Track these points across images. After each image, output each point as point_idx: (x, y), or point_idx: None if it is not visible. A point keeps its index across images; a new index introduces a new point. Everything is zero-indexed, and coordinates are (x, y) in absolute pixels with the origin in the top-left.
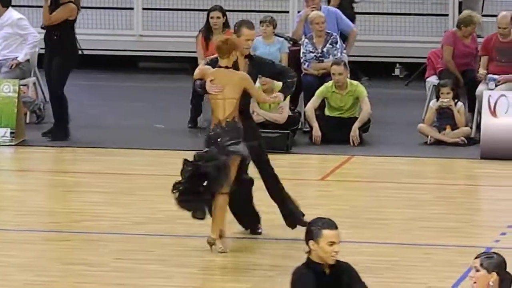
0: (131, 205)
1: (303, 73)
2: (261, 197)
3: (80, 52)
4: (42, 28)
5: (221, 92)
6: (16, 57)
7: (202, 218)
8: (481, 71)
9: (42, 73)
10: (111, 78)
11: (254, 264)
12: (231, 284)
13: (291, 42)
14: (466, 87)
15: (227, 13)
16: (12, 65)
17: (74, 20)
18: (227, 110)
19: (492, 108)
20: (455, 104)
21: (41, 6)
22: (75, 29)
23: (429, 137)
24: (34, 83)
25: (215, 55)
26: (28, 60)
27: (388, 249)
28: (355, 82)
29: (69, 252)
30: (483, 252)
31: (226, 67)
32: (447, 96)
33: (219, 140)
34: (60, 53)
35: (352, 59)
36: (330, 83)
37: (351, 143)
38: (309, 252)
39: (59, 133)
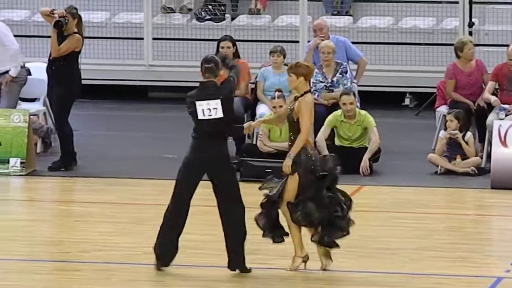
0: (141, 235)
1: None
2: None
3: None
4: (49, 59)
5: None
6: (5, 72)
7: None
8: (493, 99)
9: None
10: (120, 108)
11: None
12: None
13: None
14: (475, 117)
15: (237, 43)
16: (6, 82)
17: (80, 51)
18: None
19: (502, 138)
20: (464, 135)
21: (48, 36)
22: (80, 59)
23: (439, 167)
24: (44, 113)
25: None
26: (22, 66)
27: (398, 279)
28: (363, 112)
29: (79, 283)
30: None
31: None
32: (451, 125)
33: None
34: (61, 84)
35: (361, 88)
36: (338, 112)
37: (361, 173)
38: None
39: (64, 166)
